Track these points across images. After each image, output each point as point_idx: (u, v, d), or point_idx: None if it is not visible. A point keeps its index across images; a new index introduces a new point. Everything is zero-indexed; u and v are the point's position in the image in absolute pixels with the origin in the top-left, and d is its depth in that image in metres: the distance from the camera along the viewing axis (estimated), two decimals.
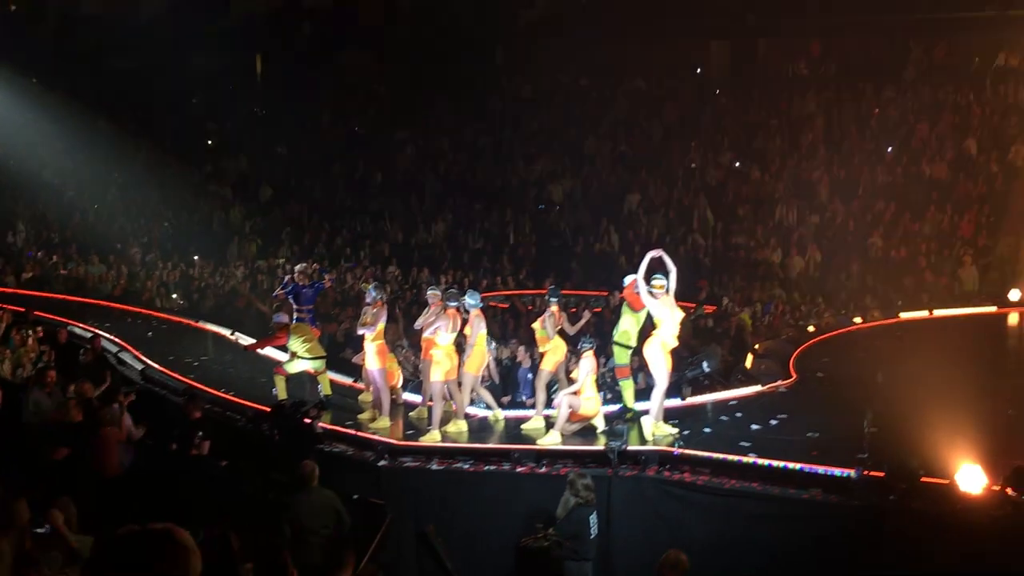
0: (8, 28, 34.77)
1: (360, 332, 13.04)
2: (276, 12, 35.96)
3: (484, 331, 12.73)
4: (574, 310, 18.99)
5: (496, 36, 33.84)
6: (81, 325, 18.99)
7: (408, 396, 14.23)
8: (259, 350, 15.38)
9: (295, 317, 15.11)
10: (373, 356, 12.84)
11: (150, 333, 19.20)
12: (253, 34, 35.04)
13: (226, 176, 30.56)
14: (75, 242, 25.46)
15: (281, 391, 13.65)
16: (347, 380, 15.06)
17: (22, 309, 18.49)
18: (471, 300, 12.66)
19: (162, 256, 24.74)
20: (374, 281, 14.79)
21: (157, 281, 22.86)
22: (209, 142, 32.42)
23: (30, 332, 16.61)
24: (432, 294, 12.85)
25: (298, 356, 13.88)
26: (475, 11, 33.83)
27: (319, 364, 13.99)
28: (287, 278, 16.12)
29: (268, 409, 12.69)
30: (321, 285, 15.99)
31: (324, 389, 13.96)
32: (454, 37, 33.03)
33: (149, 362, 16.44)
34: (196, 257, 24.72)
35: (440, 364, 12.23)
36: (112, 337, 17.97)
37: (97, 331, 18.13)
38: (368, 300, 13.03)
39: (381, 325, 12.97)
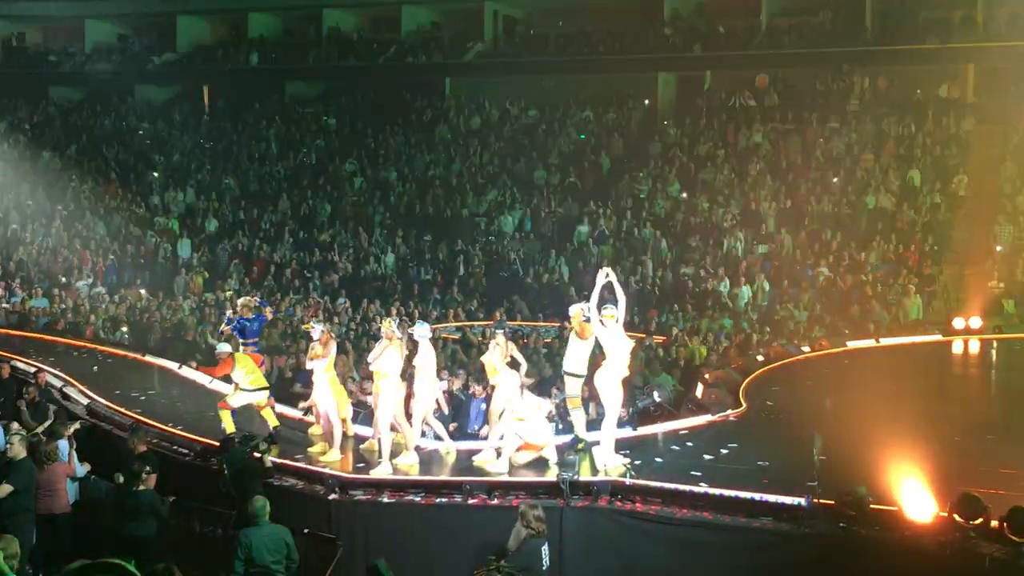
0: None
1: (309, 366, 13.03)
2: (222, 42, 35.94)
3: (432, 362, 12.74)
4: (525, 341, 19.08)
5: (444, 68, 34.02)
6: (25, 360, 18.71)
7: (358, 429, 14.15)
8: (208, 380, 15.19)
9: (240, 351, 14.97)
10: (324, 388, 12.80)
11: (95, 367, 18.92)
12: (199, 65, 34.99)
13: (173, 208, 30.32)
14: (19, 275, 25.11)
15: (228, 425, 13.51)
16: (296, 414, 14.92)
17: None
18: (420, 331, 12.67)
19: (108, 289, 24.49)
20: (317, 317, 14.58)
21: (102, 315, 22.60)
22: (155, 174, 32.18)
23: None
24: (386, 326, 12.75)
25: (240, 388, 13.76)
26: (424, 43, 34.07)
27: (262, 397, 13.88)
28: (229, 313, 15.97)
29: (216, 444, 12.57)
30: (263, 318, 15.84)
31: (270, 421, 13.85)
32: (403, 69, 33.19)
33: (95, 396, 16.21)
34: (143, 291, 24.50)
35: (388, 396, 12.20)
36: (57, 372, 17.72)
37: (41, 365, 17.85)
38: (315, 336, 13.03)
39: (332, 357, 12.95)
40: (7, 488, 10.96)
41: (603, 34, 31.98)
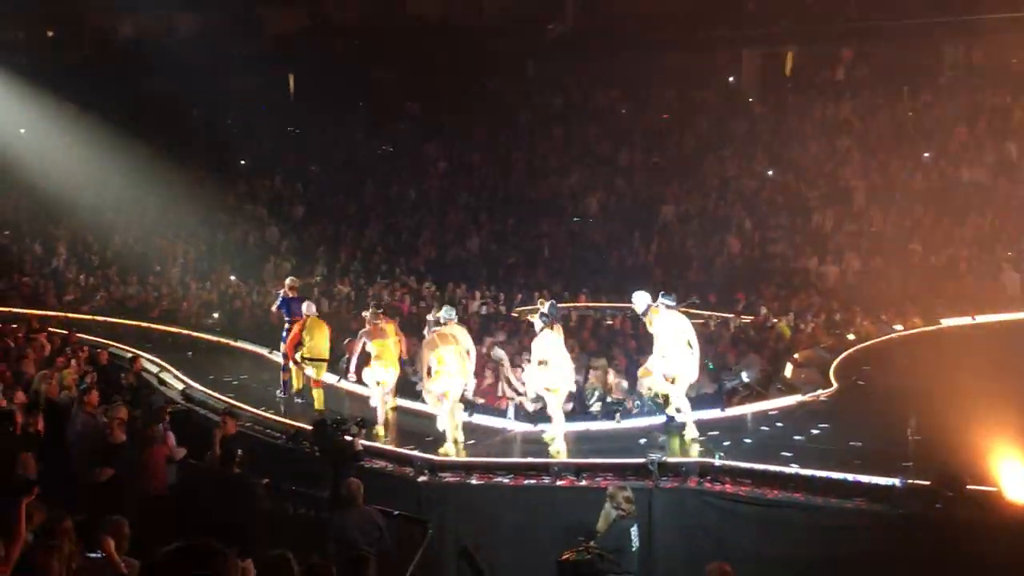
0: (46, 53, 35.35)
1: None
2: (307, 31, 36.27)
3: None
4: (614, 321, 19.10)
5: (526, 50, 33.94)
6: (122, 346, 19.22)
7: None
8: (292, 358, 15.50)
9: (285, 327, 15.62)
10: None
11: (189, 353, 19.39)
12: (285, 54, 35.38)
13: (260, 195, 30.82)
14: (115, 264, 25.77)
15: (319, 402, 14.28)
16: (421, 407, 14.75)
17: (65, 332, 18.78)
18: (445, 314, 12.83)
19: (199, 276, 24.99)
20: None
21: (195, 301, 23.09)
22: (243, 162, 32.71)
23: (72, 354, 16.86)
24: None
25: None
26: (505, 26, 34.01)
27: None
28: (279, 292, 16.40)
29: (309, 427, 12.79)
30: (303, 299, 16.08)
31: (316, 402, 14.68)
32: (484, 52, 33.20)
33: (189, 381, 16.61)
34: (232, 277, 24.96)
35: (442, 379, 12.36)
36: (152, 357, 18.17)
37: (137, 352, 18.32)
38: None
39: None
40: (108, 472, 11.31)
41: (686, 12, 31.53)
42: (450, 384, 12.28)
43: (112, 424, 11.98)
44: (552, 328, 12.17)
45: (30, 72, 31.73)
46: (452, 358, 12.28)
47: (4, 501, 8.36)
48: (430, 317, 13.34)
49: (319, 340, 14.99)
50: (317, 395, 14.73)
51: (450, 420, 12.44)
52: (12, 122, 30.44)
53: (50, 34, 37.44)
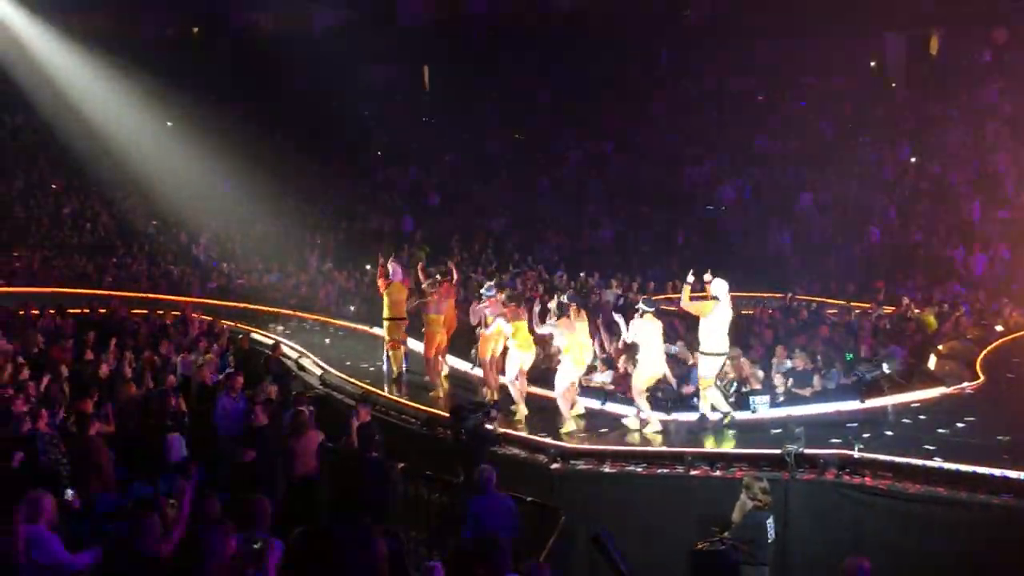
0: (188, 50, 36.55)
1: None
2: (442, 22, 36.64)
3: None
4: (755, 310, 18.86)
5: (660, 38, 33.63)
6: (263, 332, 19.78)
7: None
8: None
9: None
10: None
11: (327, 340, 19.84)
12: (420, 45, 35.80)
13: (396, 185, 31.29)
14: (256, 253, 26.50)
15: (395, 362, 16.21)
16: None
17: (208, 318, 19.42)
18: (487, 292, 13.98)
19: (337, 265, 25.50)
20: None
21: (333, 289, 23.58)
22: (379, 152, 33.23)
23: (216, 339, 17.45)
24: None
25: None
26: (638, 14, 33.76)
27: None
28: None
29: (444, 414, 12.95)
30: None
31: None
32: (617, 40, 33.03)
33: (327, 368, 16.98)
34: (368, 266, 25.40)
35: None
36: (292, 344, 18.66)
37: (278, 338, 18.84)
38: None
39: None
40: (251, 453, 11.64)
41: None
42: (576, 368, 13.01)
43: (255, 407, 12.34)
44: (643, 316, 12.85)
45: (176, 68, 32.91)
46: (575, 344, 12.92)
47: (168, 482, 8.74)
48: (551, 305, 13.46)
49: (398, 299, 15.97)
50: (395, 355, 16.08)
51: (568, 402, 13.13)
52: (159, 116, 31.61)
53: (195, 31, 38.70)
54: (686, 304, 12.84)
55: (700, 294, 13.06)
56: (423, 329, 15.49)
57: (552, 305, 13.34)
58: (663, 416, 13.20)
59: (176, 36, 37.99)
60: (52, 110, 32.04)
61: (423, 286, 15.39)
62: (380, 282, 16.24)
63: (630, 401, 13.37)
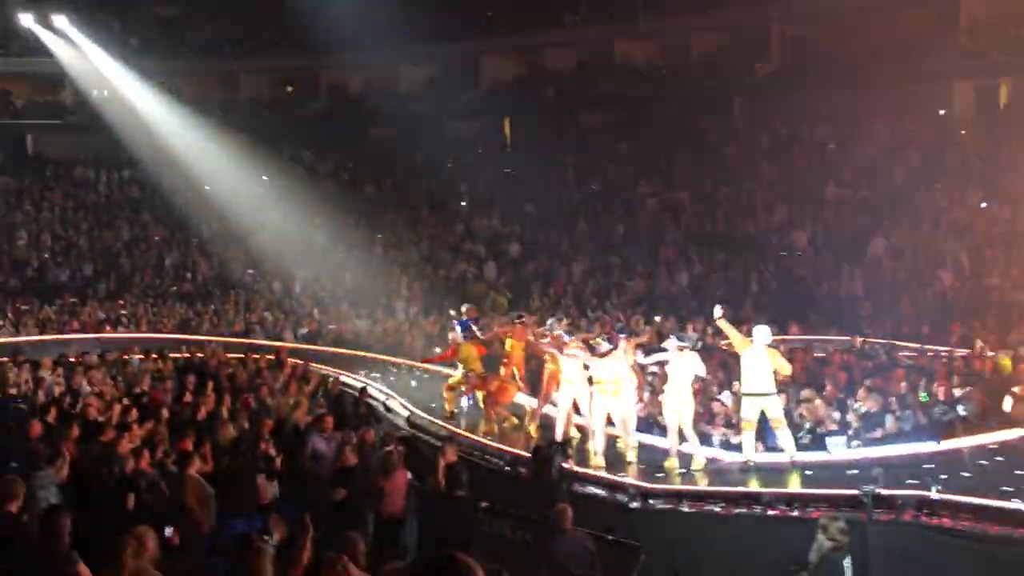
0: (283, 109, 37.42)
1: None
2: (522, 78, 36.98)
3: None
4: (827, 353, 18.57)
5: (733, 89, 33.55)
6: (351, 375, 19.96)
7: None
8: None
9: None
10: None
11: (413, 383, 19.93)
12: (502, 100, 36.16)
13: (478, 234, 31.52)
14: (346, 299, 26.84)
15: (449, 403, 16.48)
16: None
17: (300, 362, 19.69)
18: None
19: (423, 311, 25.67)
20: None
21: (419, 334, 23.73)
22: (463, 203, 33.53)
23: (307, 382, 17.65)
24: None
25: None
26: (712, 66, 33.76)
27: (458, 375, 16.46)
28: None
29: (526, 454, 12.92)
30: (469, 322, 17.21)
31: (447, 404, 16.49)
32: (692, 92, 33.02)
33: (414, 409, 17.06)
34: (452, 312, 25.53)
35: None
36: (380, 386, 18.79)
37: (367, 381, 19.00)
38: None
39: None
40: (342, 492, 11.71)
41: (895, 47, 30.38)
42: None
43: (344, 448, 12.44)
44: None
45: (271, 126, 33.67)
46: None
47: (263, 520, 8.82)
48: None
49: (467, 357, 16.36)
50: (449, 397, 16.62)
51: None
52: (256, 171, 32.29)
53: (289, 90, 39.57)
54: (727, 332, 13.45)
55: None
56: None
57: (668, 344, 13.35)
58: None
59: (272, 96, 38.89)
60: (156, 165, 32.99)
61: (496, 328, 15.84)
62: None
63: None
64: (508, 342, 15.81)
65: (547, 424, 14.90)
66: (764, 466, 12.75)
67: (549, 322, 15.27)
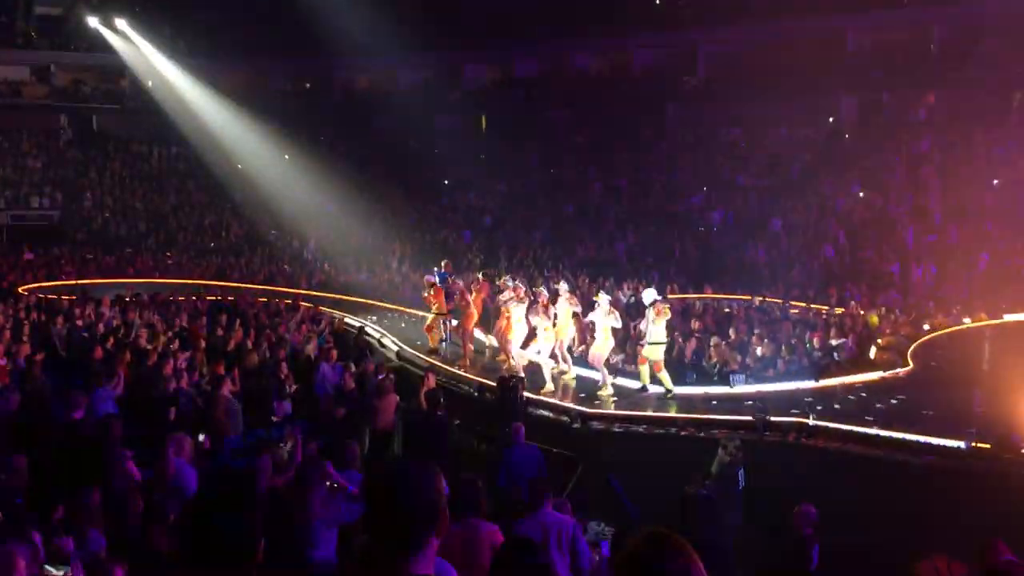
0: (303, 101, 36.86)
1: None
2: (496, 82, 36.74)
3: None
4: (733, 309, 18.66)
5: (666, 96, 33.45)
6: (353, 317, 19.88)
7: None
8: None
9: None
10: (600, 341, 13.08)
11: (403, 324, 19.89)
12: (480, 100, 35.90)
13: (459, 207, 31.35)
14: (350, 256, 26.65)
15: (431, 341, 16.22)
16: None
17: (312, 305, 19.57)
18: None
19: (412, 266, 25.57)
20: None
21: (409, 284, 23.62)
22: (446, 182, 33.31)
23: (318, 321, 17.53)
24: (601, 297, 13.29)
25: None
26: (649, 77, 33.63)
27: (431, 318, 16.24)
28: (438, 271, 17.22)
29: (491, 383, 12.93)
30: (447, 274, 17.11)
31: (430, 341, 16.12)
32: (632, 97, 32.88)
33: (403, 346, 17.03)
34: (434, 267, 25.42)
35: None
36: (375, 326, 18.72)
37: (365, 322, 18.93)
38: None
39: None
40: (341, 411, 11.67)
41: (796, 65, 30.05)
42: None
43: (346, 375, 12.39)
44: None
45: (293, 114, 33.21)
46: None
47: (279, 431, 8.77)
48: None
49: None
50: (431, 336, 16.29)
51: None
52: (280, 151, 31.94)
53: (308, 86, 38.97)
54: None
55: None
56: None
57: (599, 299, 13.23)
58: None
59: (294, 90, 38.29)
60: (198, 144, 32.49)
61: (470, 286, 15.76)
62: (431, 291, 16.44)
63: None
64: (473, 293, 15.63)
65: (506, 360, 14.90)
66: (681, 396, 12.86)
67: (505, 278, 15.14)
